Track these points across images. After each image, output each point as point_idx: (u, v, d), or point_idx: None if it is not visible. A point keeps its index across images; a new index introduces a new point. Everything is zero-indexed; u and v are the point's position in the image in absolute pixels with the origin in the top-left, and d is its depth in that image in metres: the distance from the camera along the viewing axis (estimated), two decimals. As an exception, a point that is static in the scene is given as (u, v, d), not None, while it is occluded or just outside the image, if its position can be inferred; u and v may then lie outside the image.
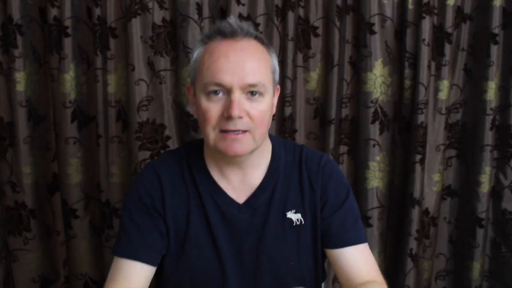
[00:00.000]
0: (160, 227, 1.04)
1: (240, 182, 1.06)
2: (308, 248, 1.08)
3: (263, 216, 1.05)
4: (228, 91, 0.95)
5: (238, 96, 0.95)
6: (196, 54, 1.02)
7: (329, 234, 1.06)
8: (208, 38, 1.01)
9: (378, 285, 1.01)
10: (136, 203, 1.05)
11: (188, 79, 1.71)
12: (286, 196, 1.07)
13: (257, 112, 0.97)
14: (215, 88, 0.95)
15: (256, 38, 1.01)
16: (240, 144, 0.97)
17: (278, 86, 1.08)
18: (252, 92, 0.96)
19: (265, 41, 1.03)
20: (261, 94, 0.97)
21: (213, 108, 0.96)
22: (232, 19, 1.00)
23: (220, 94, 0.96)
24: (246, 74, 0.95)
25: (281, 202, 1.06)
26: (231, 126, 0.96)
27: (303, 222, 1.06)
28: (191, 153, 1.10)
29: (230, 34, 0.98)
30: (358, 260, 1.04)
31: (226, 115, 0.95)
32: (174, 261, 1.06)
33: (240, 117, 0.95)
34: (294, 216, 1.06)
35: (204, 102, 0.97)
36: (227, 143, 0.97)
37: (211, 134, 0.98)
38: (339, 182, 1.10)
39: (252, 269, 1.05)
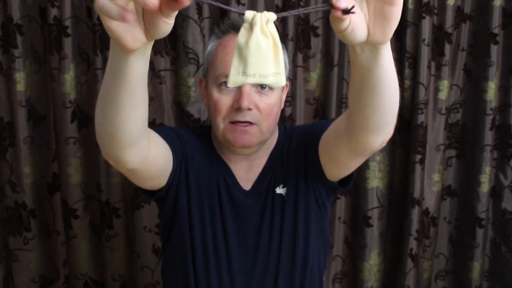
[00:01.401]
0: (178, 155, 1.05)
1: (246, 171, 1.11)
2: (295, 221, 1.10)
3: (264, 199, 1.10)
4: None
5: (248, 88, 0.99)
6: (209, 47, 1.06)
7: (313, 138, 1.05)
8: (222, 33, 1.06)
9: None
10: (174, 130, 1.10)
11: (188, 79, 1.72)
12: (274, 174, 1.11)
13: (265, 105, 1.01)
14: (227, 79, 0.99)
15: None
16: (248, 136, 1.02)
17: (287, 83, 1.12)
18: (262, 85, 0.99)
19: None
20: (270, 88, 1.01)
21: (224, 99, 1.00)
22: None
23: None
24: None
25: (272, 181, 1.11)
26: (240, 117, 1.00)
27: (291, 195, 1.10)
28: (202, 138, 1.14)
29: None
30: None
31: (236, 106, 0.99)
32: (195, 216, 1.09)
33: (249, 109, 0.99)
34: (282, 190, 1.10)
35: (216, 94, 1.01)
36: (236, 134, 1.01)
37: (221, 125, 1.02)
38: (301, 128, 1.15)
39: (253, 248, 1.10)
